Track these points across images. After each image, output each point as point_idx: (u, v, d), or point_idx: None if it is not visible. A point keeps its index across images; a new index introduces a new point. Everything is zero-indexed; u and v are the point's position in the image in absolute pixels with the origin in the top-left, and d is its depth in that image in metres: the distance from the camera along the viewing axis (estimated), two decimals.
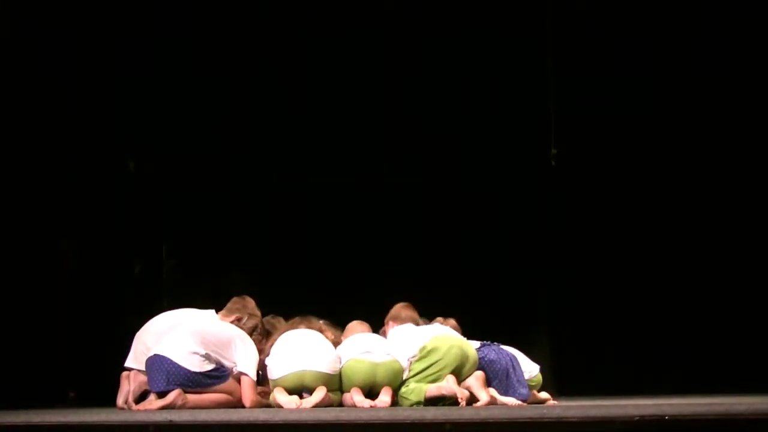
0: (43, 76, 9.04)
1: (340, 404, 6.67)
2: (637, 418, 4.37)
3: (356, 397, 6.58)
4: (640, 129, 9.90)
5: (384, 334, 7.17)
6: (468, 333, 7.24)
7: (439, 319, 7.35)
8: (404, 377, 6.78)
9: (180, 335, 6.71)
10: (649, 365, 9.52)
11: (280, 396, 6.58)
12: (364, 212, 9.83)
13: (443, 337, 6.88)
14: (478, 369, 6.85)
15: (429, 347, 6.79)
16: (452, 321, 7.37)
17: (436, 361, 6.73)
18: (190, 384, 6.55)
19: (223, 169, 9.83)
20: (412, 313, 7.24)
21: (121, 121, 9.46)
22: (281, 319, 7.22)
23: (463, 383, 6.72)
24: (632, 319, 9.65)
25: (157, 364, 6.56)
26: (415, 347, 6.84)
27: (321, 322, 7.12)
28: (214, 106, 9.80)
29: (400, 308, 7.25)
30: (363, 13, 9.85)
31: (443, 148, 9.91)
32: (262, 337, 7.01)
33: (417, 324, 7.19)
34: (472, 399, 6.65)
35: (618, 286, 9.74)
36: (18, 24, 8.94)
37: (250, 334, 6.94)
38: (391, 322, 7.18)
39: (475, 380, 6.71)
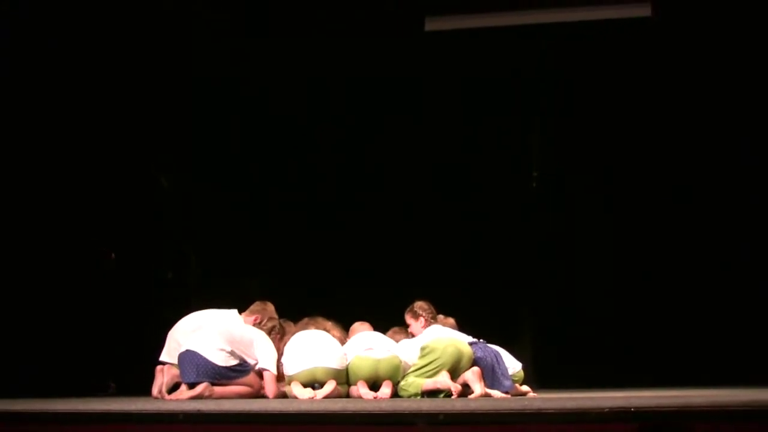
0: (89, 94, 9.16)
1: (348, 396, 6.99)
2: (607, 409, 4.55)
3: (362, 390, 6.95)
4: (616, 145, 10.09)
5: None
6: (463, 332, 7.56)
7: (440, 317, 7.66)
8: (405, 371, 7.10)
9: (209, 334, 7.05)
10: (622, 362, 9.70)
11: (296, 389, 6.94)
12: (370, 226, 10.16)
13: (441, 339, 7.22)
14: None
15: (428, 347, 7.16)
16: (451, 320, 7.71)
17: (434, 360, 7.07)
18: (217, 376, 6.90)
19: (245, 191, 10.14)
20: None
21: (163, 140, 9.72)
22: (291, 323, 7.58)
23: (461, 377, 7.06)
24: (606, 322, 9.85)
25: (188, 358, 6.94)
26: (418, 348, 7.21)
27: (328, 322, 7.48)
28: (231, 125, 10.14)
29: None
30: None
31: (441, 168, 10.25)
32: (280, 336, 7.39)
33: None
34: (466, 391, 6.98)
35: (594, 292, 9.97)
36: (60, 38, 9.05)
37: (269, 334, 7.31)
38: None
39: (472, 375, 7.06)
